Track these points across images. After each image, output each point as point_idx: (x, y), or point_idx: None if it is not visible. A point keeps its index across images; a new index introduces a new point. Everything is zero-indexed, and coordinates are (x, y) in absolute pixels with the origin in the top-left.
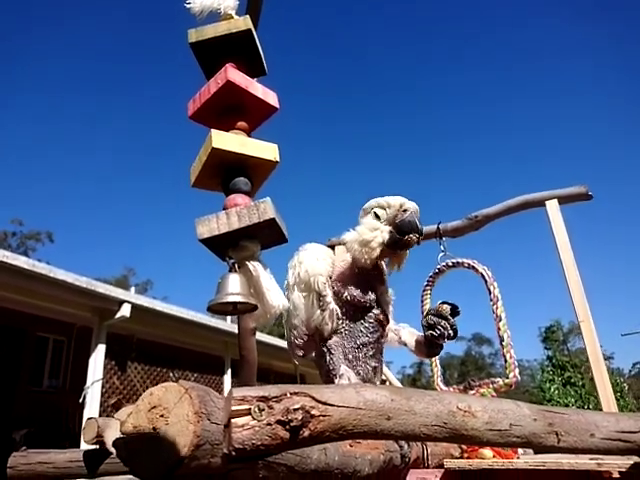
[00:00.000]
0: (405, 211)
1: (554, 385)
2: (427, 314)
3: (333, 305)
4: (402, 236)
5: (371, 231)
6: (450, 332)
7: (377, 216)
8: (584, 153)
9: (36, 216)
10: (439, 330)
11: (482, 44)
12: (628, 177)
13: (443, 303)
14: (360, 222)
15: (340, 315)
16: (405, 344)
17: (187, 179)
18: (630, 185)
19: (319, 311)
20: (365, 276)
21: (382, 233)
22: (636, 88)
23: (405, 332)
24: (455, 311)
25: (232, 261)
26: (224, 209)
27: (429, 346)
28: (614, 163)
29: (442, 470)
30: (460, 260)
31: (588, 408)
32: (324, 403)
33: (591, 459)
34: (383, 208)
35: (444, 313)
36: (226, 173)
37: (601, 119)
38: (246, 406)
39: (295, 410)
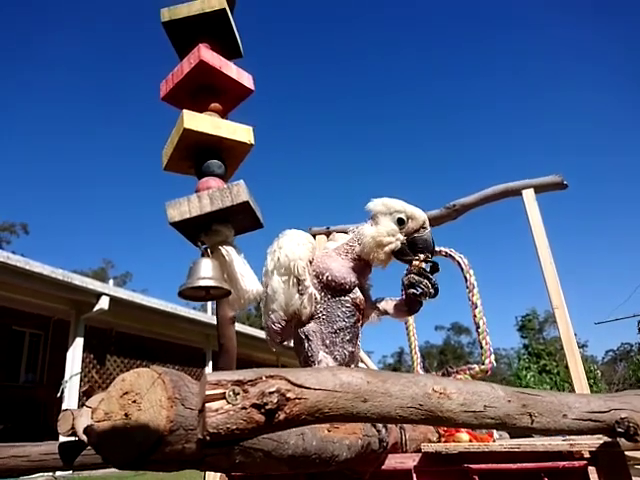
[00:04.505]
0: (425, 228)
1: (530, 373)
2: (408, 273)
3: (312, 289)
4: (414, 251)
5: (389, 235)
6: (431, 290)
7: (399, 222)
8: (560, 144)
9: (10, 207)
10: (421, 289)
11: (461, 39)
12: (603, 168)
13: (423, 261)
14: (378, 219)
15: (319, 299)
16: (385, 312)
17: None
18: (605, 176)
19: (298, 295)
20: (351, 262)
21: (396, 242)
22: (615, 82)
23: (382, 303)
24: (434, 268)
25: (204, 246)
26: (196, 192)
27: (409, 304)
28: (589, 155)
29: (420, 454)
30: (437, 249)
31: None
32: (300, 386)
33: (564, 440)
34: (408, 217)
35: (424, 272)
36: (199, 155)
37: (579, 111)
38: (221, 390)
39: (270, 393)
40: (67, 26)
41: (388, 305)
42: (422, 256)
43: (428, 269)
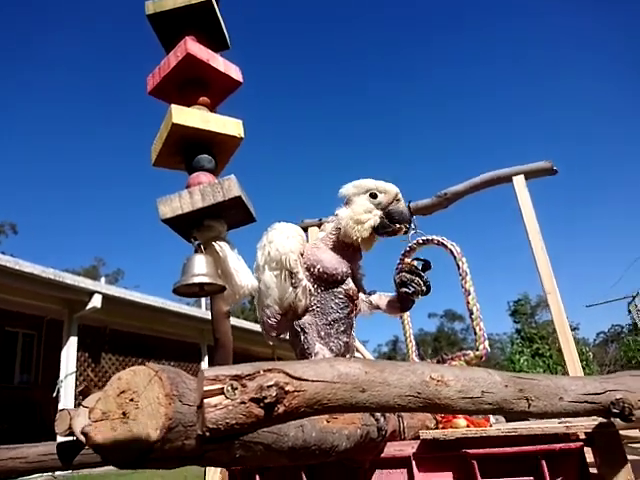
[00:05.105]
0: (398, 200)
1: (523, 357)
2: (400, 271)
3: (305, 282)
4: (392, 223)
5: (365, 212)
6: (423, 288)
7: (372, 197)
8: (558, 132)
9: None
10: (413, 287)
11: (459, 27)
12: (596, 155)
13: (415, 259)
14: (352, 200)
15: (312, 291)
16: (377, 307)
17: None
18: (597, 162)
19: (292, 288)
20: (341, 251)
21: (374, 217)
22: (615, 70)
23: (375, 296)
24: (426, 266)
25: (197, 242)
26: (187, 188)
27: (402, 302)
28: (586, 142)
29: (418, 441)
30: (430, 237)
31: None
32: (298, 378)
33: (560, 422)
34: (380, 192)
35: (416, 270)
36: (188, 150)
37: (578, 99)
38: (219, 385)
39: (269, 387)
40: (67, 26)
41: (381, 301)
42: (399, 226)
43: (420, 267)
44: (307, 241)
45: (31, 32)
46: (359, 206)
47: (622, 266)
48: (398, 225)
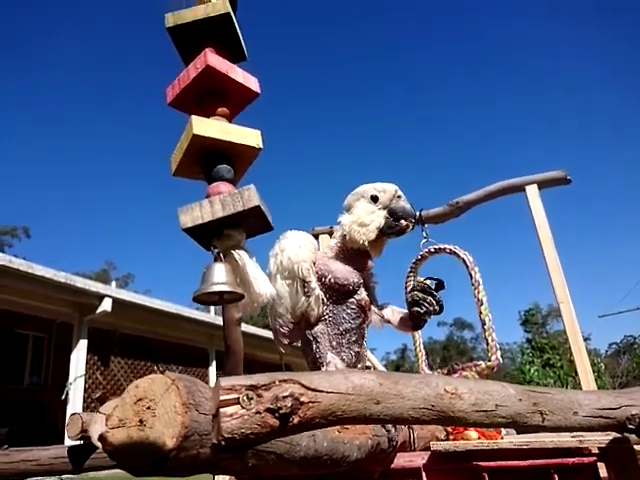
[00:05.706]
0: (399, 197)
1: (534, 367)
2: (412, 290)
3: (318, 291)
4: (397, 222)
5: (368, 214)
6: (436, 308)
7: (373, 199)
8: (563, 141)
9: (11, 210)
10: (425, 307)
11: (461, 36)
12: (607, 162)
13: (428, 278)
14: (353, 205)
15: (325, 301)
16: (389, 322)
17: (169, 168)
18: (609, 170)
19: (304, 298)
20: (350, 260)
21: (378, 217)
22: (618, 80)
23: (388, 311)
24: (440, 286)
25: (217, 250)
26: (207, 197)
27: (414, 321)
28: (591, 151)
29: (428, 453)
30: (442, 246)
31: (566, 388)
32: (313, 389)
33: (573, 437)
34: (378, 192)
35: (429, 289)
36: (208, 161)
37: (582, 109)
38: (234, 395)
39: (284, 397)
40: (67, 26)
41: (394, 317)
42: (405, 223)
43: (433, 286)
44: (318, 249)
45: (31, 32)
46: (361, 210)
47: (634, 278)
48: (404, 222)
